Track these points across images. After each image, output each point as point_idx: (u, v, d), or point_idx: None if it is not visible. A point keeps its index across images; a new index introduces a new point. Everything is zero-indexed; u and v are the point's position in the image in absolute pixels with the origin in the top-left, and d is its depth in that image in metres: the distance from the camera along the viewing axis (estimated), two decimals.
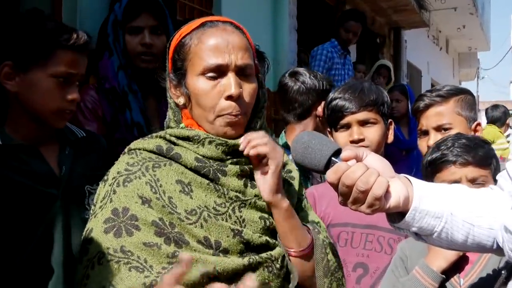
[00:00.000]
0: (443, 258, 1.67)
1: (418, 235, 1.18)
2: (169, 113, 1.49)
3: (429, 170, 1.78)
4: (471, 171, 1.71)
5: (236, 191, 1.39)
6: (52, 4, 2.80)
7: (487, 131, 7.44)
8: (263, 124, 1.50)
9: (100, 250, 1.30)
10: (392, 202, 1.10)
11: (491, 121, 7.80)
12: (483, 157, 1.72)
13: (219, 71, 1.38)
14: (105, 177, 1.42)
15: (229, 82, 1.37)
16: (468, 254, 1.69)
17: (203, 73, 1.38)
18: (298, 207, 1.54)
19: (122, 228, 1.30)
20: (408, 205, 1.12)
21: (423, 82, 12.87)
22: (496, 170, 1.72)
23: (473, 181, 1.70)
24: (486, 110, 8.04)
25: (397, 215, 1.16)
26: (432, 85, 14.88)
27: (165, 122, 1.51)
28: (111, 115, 2.36)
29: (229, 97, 1.37)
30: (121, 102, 2.36)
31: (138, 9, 2.38)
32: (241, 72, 1.40)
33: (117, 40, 2.41)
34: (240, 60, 1.39)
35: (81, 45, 1.62)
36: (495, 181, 1.69)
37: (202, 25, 1.42)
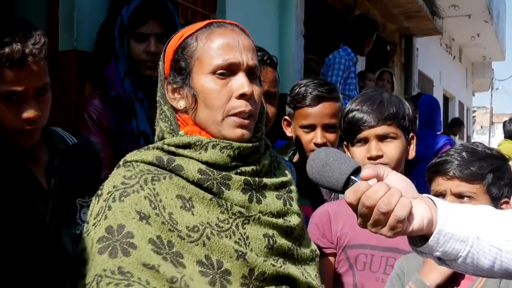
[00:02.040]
0: (438, 272, 1.66)
1: (441, 260, 1.16)
2: (161, 124, 1.46)
3: (427, 176, 1.84)
4: (457, 185, 1.74)
5: (240, 206, 1.38)
6: (49, 5, 2.80)
7: (504, 147, 7.24)
8: (263, 131, 1.50)
9: (97, 273, 1.26)
10: (415, 224, 1.08)
11: (508, 135, 7.65)
12: (474, 173, 1.74)
13: (230, 70, 1.39)
14: (99, 192, 1.39)
15: (242, 81, 1.38)
16: None
17: (213, 72, 1.38)
18: (303, 234, 1.53)
19: (118, 247, 1.27)
20: (432, 228, 1.10)
21: (434, 92, 12.88)
22: (491, 185, 1.74)
23: (458, 196, 1.74)
24: (504, 123, 7.90)
25: (419, 239, 1.13)
26: (444, 96, 14.94)
27: (156, 136, 1.48)
28: (117, 124, 2.33)
29: (242, 96, 1.38)
30: (126, 110, 2.34)
31: (146, 15, 2.37)
32: (250, 73, 1.41)
33: (122, 45, 2.40)
34: (251, 60, 1.40)
35: (18, 59, 1.50)
36: (490, 195, 1.73)
37: (208, 25, 1.43)
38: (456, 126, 11.77)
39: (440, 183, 1.78)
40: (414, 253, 1.76)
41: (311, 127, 2.29)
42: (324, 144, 2.24)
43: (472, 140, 23.16)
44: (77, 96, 2.65)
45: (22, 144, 1.61)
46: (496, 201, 1.73)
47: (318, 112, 2.28)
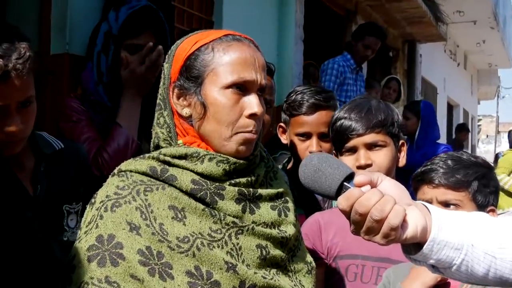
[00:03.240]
0: (421, 282, 1.68)
1: (435, 268, 1.18)
2: (158, 130, 1.48)
3: (413, 186, 1.88)
4: (443, 193, 1.78)
5: (234, 216, 1.40)
6: (41, 8, 2.83)
7: (507, 158, 7.18)
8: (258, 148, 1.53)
9: (84, 280, 1.30)
10: (409, 232, 1.09)
11: None
12: (459, 180, 1.78)
13: (245, 87, 1.41)
14: (93, 200, 1.42)
15: (254, 100, 1.41)
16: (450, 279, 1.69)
17: (228, 86, 1.40)
18: (299, 245, 1.55)
19: (107, 257, 1.31)
20: (426, 235, 1.11)
21: (438, 100, 12.93)
22: (477, 192, 1.78)
23: (444, 204, 1.78)
24: (509, 132, 7.85)
25: (413, 247, 1.14)
26: (449, 104, 14.98)
27: (152, 142, 1.50)
28: (100, 124, 2.34)
29: (252, 116, 1.40)
30: (109, 114, 2.34)
31: (140, 26, 2.36)
32: (260, 92, 1.44)
33: (105, 53, 2.38)
34: (264, 79, 1.44)
35: (0, 75, 1.47)
36: (476, 203, 1.77)
37: (225, 36, 1.44)
38: (460, 132, 11.30)
39: (426, 192, 1.82)
40: (402, 264, 1.80)
41: (307, 135, 2.31)
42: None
43: (478, 150, 23.17)
44: None
45: (5, 155, 1.61)
46: (482, 209, 1.76)
47: (314, 120, 2.30)
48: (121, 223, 1.34)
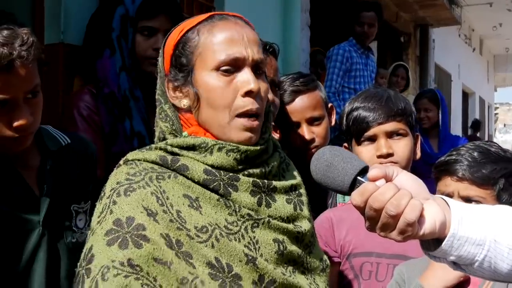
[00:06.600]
0: (441, 279, 1.67)
1: (456, 265, 1.18)
2: (161, 125, 1.47)
3: (434, 175, 1.85)
4: (465, 188, 1.75)
5: (249, 209, 1.40)
6: None
7: None
8: (270, 131, 1.52)
9: (104, 264, 1.24)
10: (427, 228, 1.09)
11: None
12: (485, 176, 1.74)
13: (235, 66, 1.40)
14: (102, 193, 1.38)
15: (248, 77, 1.39)
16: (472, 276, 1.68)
17: (217, 68, 1.39)
18: (314, 241, 1.55)
19: (128, 239, 1.26)
20: (445, 231, 1.11)
21: (453, 88, 12.89)
22: (502, 190, 1.74)
23: (466, 199, 1.74)
24: None
25: (432, 243, 1.15)
26: (464, 91, 14.92)
27: (156, 138, 1.50)
28: (110, 125, 2.33)
29: (248, 93, 1.39)
30: (120, 109, 2.34)
31: (156, 9, 2.39)
32: (256, 68, 1.42)
33: (124, 37, 2.41)
34: (257, 54, 1.42)
35: (5, 65, 1.46)
36: (500, 201, 1.72)
37: (210, 17, 1.45)
38: (476, 129, 11.20)
39: (448, 184, 1.78)
40: (414, 260, 1.79)
41: (297, 125, 2.34)
42: (312, 140, 2.30)
43: (494, 140, 23.09)
44: (65, 92, 2.67)
45: (14, 150, 1.60)
46: None
47: (297, 107, 2.33)
48: (137, 206, 1.30)
